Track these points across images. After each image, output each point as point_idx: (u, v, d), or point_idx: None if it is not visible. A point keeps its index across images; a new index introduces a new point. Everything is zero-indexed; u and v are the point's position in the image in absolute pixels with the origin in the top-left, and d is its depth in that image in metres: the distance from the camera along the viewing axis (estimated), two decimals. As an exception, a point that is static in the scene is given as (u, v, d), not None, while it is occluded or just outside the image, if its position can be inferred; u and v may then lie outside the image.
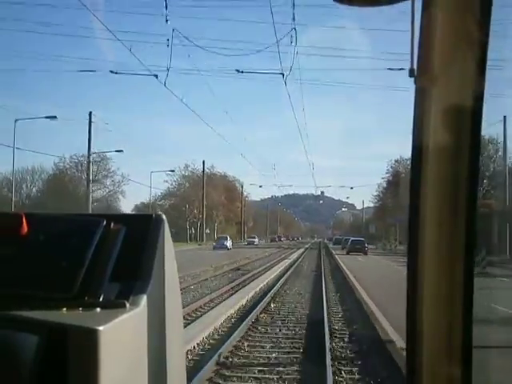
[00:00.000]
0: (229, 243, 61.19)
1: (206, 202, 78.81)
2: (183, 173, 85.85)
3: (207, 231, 76.43)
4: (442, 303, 1.07)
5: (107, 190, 68.72)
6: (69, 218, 1.07)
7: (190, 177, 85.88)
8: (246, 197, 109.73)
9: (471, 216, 1.06)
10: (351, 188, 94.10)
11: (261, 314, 13.86)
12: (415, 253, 1.08)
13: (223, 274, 26.80)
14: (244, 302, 15.95)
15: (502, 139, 39.85)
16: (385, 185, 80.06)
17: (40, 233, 0.95)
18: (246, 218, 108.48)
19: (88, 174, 44.71)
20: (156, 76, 26.05)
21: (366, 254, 48.78)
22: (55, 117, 39.64)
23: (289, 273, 27.95)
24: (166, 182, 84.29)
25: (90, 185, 44.43)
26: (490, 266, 20.42)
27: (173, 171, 67.73)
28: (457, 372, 1.07)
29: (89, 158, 43.48)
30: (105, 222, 0.97)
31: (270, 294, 17.50)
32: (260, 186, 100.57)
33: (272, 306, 15.51)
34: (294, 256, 47.96)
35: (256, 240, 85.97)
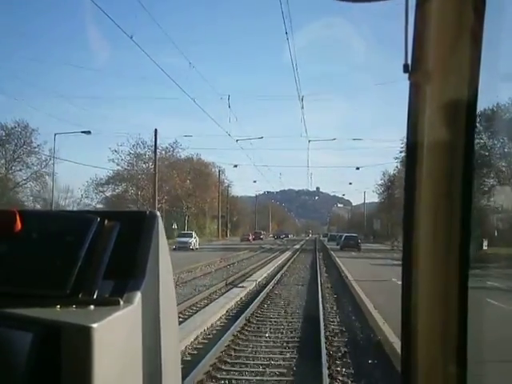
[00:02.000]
0: None
1: (173, 189, 62.17)
2: (136, 150, 61.14)
3: (174, 226, 56.75)
4: (437, 302, 1.07)
5: (30, 172, 49.20)
6: (62, 214, 1.06)
7: (147, 155, 60.93)
8: (228, 186, 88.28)
9: (466, 213, 1.06)
10: (357, 168, 66.92)
11: None
12: (410, 251, 1.08)
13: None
14: None
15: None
16: (395, 168, 62.03)
17: (33, 230, 0.94)
18: (230, 211, 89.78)
19: None
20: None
21: (359, 249, 48.21)
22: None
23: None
24: (113, 161, 60.13)
25: None
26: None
27: (88, 132, 38.93)
28: (452, 371, 1.07)
29: None
30: (99, 219, 0.96)
31: None
32: (235, 166, 70.08)
33: None
34: (265, 273, 22.97)
35: (192, 240, 46.44)
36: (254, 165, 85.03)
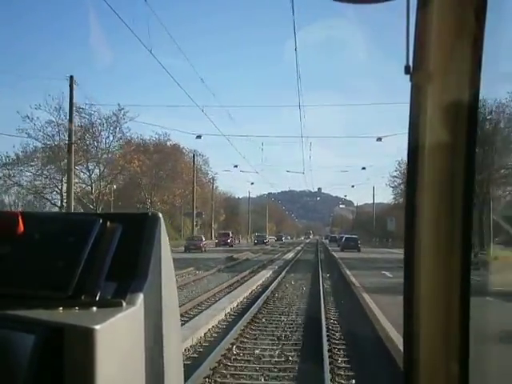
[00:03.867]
0: None
1: (120, 175, 47.07)
2: (59, 115, 41.38)
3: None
4: (439, 301, 1.08)
5: None
6: (65, 216, 1.07)
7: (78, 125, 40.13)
8: (212, 178, 70.88)
9: (468, 214, 1.06)
10: (378, 139, 49.27)
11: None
12: (412, 251, 1.09)
13: None
14: None
15: None
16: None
17: (36, 232, 0.94)
18: (217, 209, 74.62)
19: None
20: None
21: (359, 250, 48.17)
22: None
23: None
24: (25, 132, 41.36)
25: None
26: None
27: None
28: (454, 369, 1.08)
29: None
30: (101, 221, 0.97)
31: None
32: (198, 137, 49.19)
33: None
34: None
35: None
36: (223, 134, 63.69)
